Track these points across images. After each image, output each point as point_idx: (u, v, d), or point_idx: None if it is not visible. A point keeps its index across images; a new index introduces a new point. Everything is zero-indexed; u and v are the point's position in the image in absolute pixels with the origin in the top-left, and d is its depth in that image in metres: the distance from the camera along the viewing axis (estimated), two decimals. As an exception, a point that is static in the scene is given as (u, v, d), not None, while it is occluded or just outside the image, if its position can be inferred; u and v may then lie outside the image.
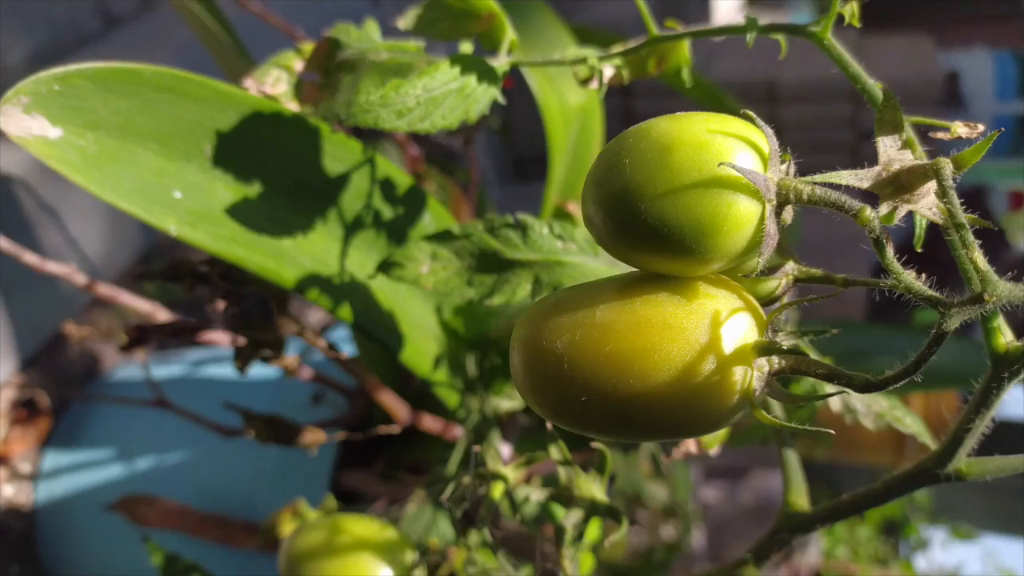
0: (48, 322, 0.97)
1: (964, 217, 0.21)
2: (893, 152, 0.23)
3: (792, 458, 0.37)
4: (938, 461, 0.30)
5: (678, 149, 0.21)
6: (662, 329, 0.23)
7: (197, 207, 0.39)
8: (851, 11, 0.29)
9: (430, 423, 0.56)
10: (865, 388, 0.22)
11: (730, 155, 0.21)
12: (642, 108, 1.81)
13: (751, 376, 0.23)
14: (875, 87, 0.28)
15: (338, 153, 0.45)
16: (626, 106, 1.82)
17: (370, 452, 0.79)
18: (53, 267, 0.63)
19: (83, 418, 0.95)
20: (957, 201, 0.20)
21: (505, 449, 0.58)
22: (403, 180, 0.49)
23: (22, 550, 0.92)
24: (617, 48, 0.40)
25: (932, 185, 0.23)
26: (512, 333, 0.26)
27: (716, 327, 0.23)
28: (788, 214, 0.23)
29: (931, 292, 0.21)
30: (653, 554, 0.86)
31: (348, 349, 0.82)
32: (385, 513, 0.69)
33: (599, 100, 0.63)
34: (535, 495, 0.37)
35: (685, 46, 0.39)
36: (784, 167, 0.23)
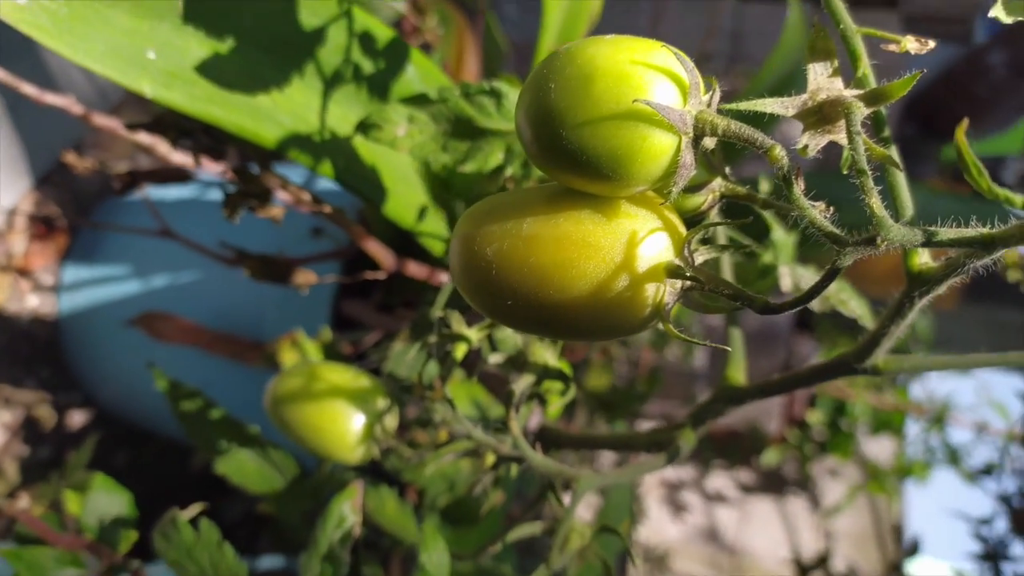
0: (61, 141, 0.98)
1: (866, 163, 0.21)
2: (823, 80, 0.23)
3: (736, 335, 0.39)
4: (857, 357, 0.32)
5: (599, 79, 0.22)
6: (581, 246, 0.24)
7: (171, 67, 0.40)
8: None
9: (415, 269, 0.59)
10: (763, 310, 0.24)
11: (649, 89, 0.22)
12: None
13: (663, 292, 0.24)
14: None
15: (315, 6, 0.44)
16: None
17: (370, 283, 0.82)
18: (51, 98, 0.64)
19: (99, 234, 0.99)
20: (862, 147, 0.21)
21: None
22: (383, 32, 0.48)
23: (50, 355, 0.99)
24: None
25: (859, 112, 0.23)
26: (454, 228, 0.28)
27: (632, 246, 0.24)
28: (710, 142, 0.23)
29: (832, 228, 0.22)
30: (634, 385, 0.92)
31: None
32: (377, 345, 0.73)
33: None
34: (493, 358, 0.40)
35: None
36: (707, 98, 0.23)
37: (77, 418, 1.02)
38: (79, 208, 1.02)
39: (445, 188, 0.58)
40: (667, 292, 0.25)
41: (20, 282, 0.98)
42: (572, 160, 0.23)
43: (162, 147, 0.68)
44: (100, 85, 1.01)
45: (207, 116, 0.41)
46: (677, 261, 0.24)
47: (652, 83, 0.22)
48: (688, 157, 0.23)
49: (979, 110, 2.14)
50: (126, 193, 0.49)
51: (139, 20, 0.39)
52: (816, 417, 2.39)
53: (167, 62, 0.39)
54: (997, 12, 0.22)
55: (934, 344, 2.72)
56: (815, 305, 0.41)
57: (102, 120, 0.65)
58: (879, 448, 2.61)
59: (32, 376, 0.99)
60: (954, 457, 2.42)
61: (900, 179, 0.26)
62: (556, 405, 0.58)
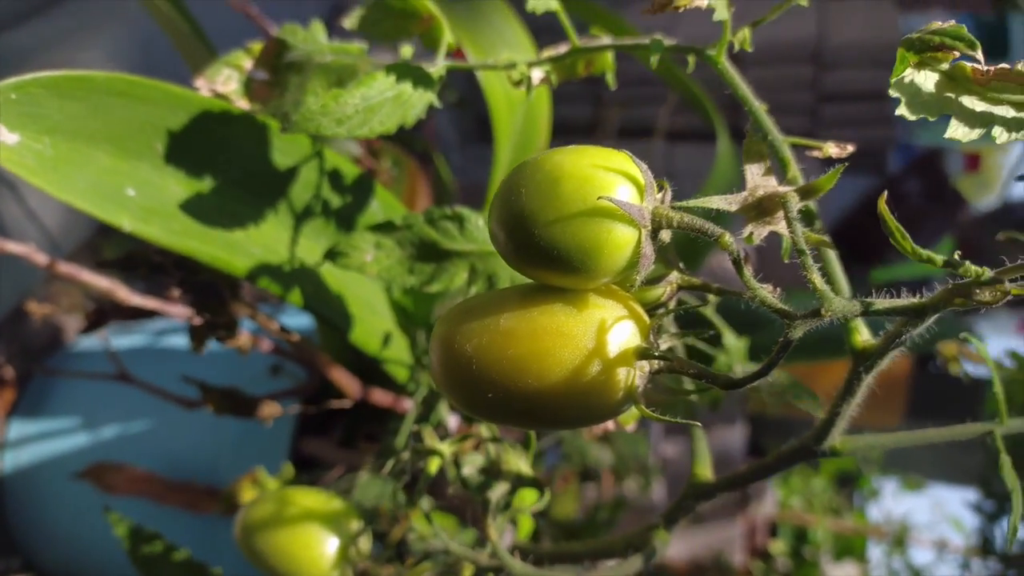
0: (10, 294, 0.98)
1: (806, 244, 0.24)
2: (758, 178, 0.27)
3: (699, 435, 0.41)
4: (815, 439, 0.34)
5: (565, 181, 0.25)
6: (555, 336, 0.26)
7: (150, 203, 0.42)
8: (743, 36, 0.32)
9: (380, 397, 0.60)
10: (727, 385, 0.26)
11: (610, 188, 0.24)
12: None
13: (633, 376, 0.26)
14: (760, 109, 0.31)
15: (287, 147, 0.48)
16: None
17: (329, 420, 0.82)
18: (13, 247, 0.65)
19: (47, 388, 0.97)
20: (800, 230, 0.24)
21: (452, 420, 0.61)
22: (350, 170, 0.51)
23: (-9, 516, 0.95)
24: (547, 53, 0.43)
25: (794, 201, 0.26)
26: (431, 332, 0.30)
27: (602, 333, 0.26)
28: (666, 235, 0.26)
29: (781, 305, 0.24)
30: (599, 511, 0.91)
31: (307, 319, 0.85)
32: (341, 480, 0.72)
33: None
34: (467, 469, 0.41)
35: (608, 54, 0.41)
36: (660, 195, 0.26)
37: (17, 584, 0.97)
38: (28, 361, 1.00)
39: (407, 316, 0.60)
40: (637, 376, 0.26)
41: (-38, 440, 0.94)
42: (544, 256, 0.25)
43: (121, 292, 0.69)
44: (52, 237, 1.02)
45: (183, 248, 0.43)
46: (645, 344, 0.26)
47: (613, 183, 0.25)
48: (648, 249, 0.25)
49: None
50: (94, 330, 0.50)
51: (119, 160, 0.41)
52: (778, 547, 2.36)
53: (146, 199, 0.42)
54: (902, 111, 0.26)
55: (883, 462, 2.75)
56: (772, 400, 0.43)
57: (65, 267, 0.66)
58: (844, 575, 2.57)
59: (-30, 541, 0.94)
60: (918, 578, 2.39)
61: (834, 262, 0.29)
62: (527, 526, 0.58)
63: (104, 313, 0.50)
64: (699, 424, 0.28)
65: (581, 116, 2.00)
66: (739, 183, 0.27)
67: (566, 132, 1.96)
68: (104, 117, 0.40)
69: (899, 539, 2.51)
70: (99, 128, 0.40)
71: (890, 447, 0.35)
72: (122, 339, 0.96)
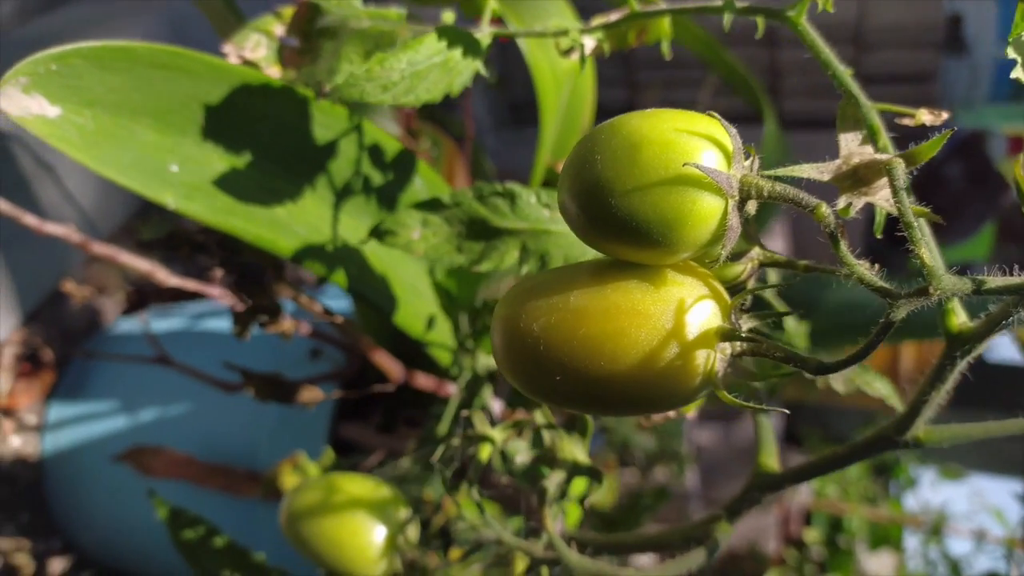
0: (50, 277, 0.98)
1: (914, 214, 0.22)
2: (853, 146, 0.24)
3: (765, 423, 0.39)
4: (898, 429, 0.32)
5: (646, 147, 0.23)
6: (631, 315, 0.24)
7: (193, 179, 0.41)
8: (824, -2, 0.30)
9: (424, 381, 0.58)
10: (818, 371, 0.24)
11: (695, 154, 0.22)
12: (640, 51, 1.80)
13: (714, 359, 0.24)
14: (845, 74, 0.29)
15: (327, 121, 0.46)
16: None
17: (368, 404, 0.81)
18: (52, 228, 0.64)
19: (86, 371, 0.97)
20: (907, 200, 0.22)
21: (497, 405, 0.60)
22: (392, 145, 0.49)
23: (31, 498, 0.95)
24: (598, 20, 0.41)
25: (901, 170, 0.24)
26: (493, 312, 0.28)
27: (681, 313, 0.24)
28: (752, 206, 0.24)
29: (881, 283, 0.22)
30: (641, 499, 0.90)
31: (344, 302, 0.84)
32: (381, 466, 0.71)
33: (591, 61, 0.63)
34: (520, 457, 0.39)
35: (665, 20, 0.39)
36: (748, 163, 0.24)
37: (58, 565, 0.97)
38: (67, 344, 1.00)
39: (451, 298, 0.58)
40: (718, 359, 0.25)
41: (3, 423, 0.95)
42: (621, 228, 0.23)
43: (160, 274, 0.68)
44: (90, 219, 1.02)
45: (227, 227, 0.41)
46: (728, 325, 0.24)
47: (699, 148, 0.22)
48: (735, 220, 0.23)
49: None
50: (134, 312, 0.49)
51: (163, 135, 0.40)
52: (813, 535, 2.33)
53: (189, 175, 0.40)
54: (1018, 73, 0.23)
55: (924, 452, 2.70)
56: (839, 387, 0.41)
57: (103, 249, 0.65)
58: (879, 564, 2.54)
59: (11, 522, 0.95)
60: (955, 569, 2.35)
61: (930, 237, 0.27)
62: (575, 514, 0.56)
63: (145, 295, 0.49)
64: (783, 410, 0.26)
65: (617, 99, 1.97)
66: (785, 167, 0.25)
67: (603, 116, 1.94)
68: (146, 90, 0.39)
69: (936, 528, 2.46)
70: (141, 101, 0.39)
71: (977, 438, 0.32)
72: (161, 322, 0.95)
